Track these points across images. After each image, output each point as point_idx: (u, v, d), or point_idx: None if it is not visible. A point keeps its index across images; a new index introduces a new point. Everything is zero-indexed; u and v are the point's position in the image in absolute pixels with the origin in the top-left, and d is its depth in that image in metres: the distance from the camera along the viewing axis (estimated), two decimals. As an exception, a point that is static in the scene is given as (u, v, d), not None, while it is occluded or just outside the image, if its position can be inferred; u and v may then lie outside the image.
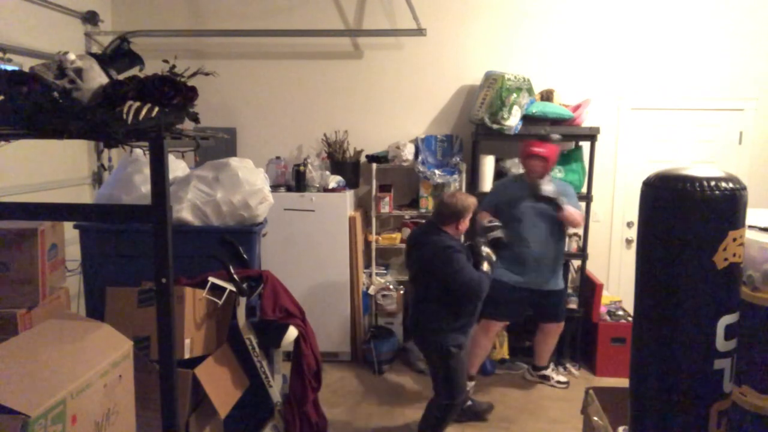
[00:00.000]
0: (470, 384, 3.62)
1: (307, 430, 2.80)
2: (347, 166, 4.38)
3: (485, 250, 3.04)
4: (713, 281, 1.60)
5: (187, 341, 2.41)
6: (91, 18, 4.25)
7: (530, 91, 4.06)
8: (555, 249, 3.68)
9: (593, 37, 4.44)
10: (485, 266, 2.96)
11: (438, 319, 2.92)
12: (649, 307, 1.72)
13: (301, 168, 4.19)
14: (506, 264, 3.60)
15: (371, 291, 4.38)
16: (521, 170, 3.84)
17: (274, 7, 4.51)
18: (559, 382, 3.96)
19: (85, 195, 4.23)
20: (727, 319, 1.62)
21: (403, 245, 4.37)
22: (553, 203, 3.54)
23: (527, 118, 4.07)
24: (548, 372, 4.01)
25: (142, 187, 2.71)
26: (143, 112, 1.57)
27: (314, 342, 2.87)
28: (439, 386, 3.01)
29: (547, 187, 3.54)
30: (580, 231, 4.20)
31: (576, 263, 4.37)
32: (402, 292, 4.44)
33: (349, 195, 4.26)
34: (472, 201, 3.02)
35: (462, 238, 3.20)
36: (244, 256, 2.73)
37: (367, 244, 4.48)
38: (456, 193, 3.07)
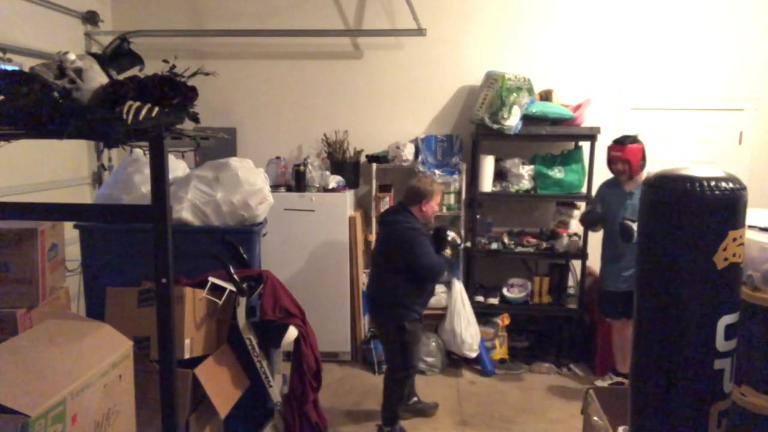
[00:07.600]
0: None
1: (307, 430, 2.80)
2: (347, 166, 4.38)
3: (451, 234, 3.22)
4: (713, 281, 1.60)
5: (187, 341, 2.41)
6: (91, 18, 4.25)
7: (530, 91, 4.06)
8: None
9: (593, 37, 4.43)
10: (447, 251, 3.18)
11: (400, 295, 3.11)
12: (649, 308, 1.72)
13: (301, 168, 4.18)
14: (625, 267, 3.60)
15: (371, 291, 4.38)
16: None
17: (274, 7, 4.51)
18: None
19: (85, 195, 4.23)
20: (727, 319, 1.62)
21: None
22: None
23: (527, 118, 4.07)
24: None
25: (142, 187, 2.70)
26: (143, 112, 1.58)
27: (314, 342, 2.87)
28: (395, 358, 3.20)
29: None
30: (580, 231, 4.20)
31: (576, 263, 4.36)
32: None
33: (349, 195, 4.26)
34: (436, 187, 3.24)
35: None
36: (244, 256, 2.73)
37: (367, 244, 4.48)
38: (422, 177, 3.46)
